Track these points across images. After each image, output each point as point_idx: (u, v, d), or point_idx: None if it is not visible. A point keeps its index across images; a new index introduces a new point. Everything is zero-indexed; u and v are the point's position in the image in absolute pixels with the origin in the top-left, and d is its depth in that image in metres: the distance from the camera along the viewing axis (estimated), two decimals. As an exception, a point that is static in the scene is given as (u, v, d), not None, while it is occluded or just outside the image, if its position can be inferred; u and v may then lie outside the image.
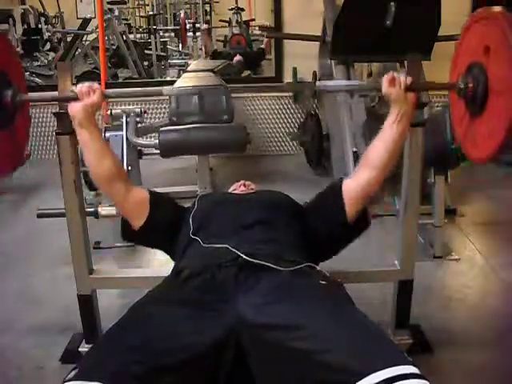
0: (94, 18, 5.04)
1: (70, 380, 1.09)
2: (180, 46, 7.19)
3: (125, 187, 1.60)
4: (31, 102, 1.83)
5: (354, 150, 3.25)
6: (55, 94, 1.64)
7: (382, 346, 1.14)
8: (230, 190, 1.96)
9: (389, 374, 1.03)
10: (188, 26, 6.29)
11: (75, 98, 1.51)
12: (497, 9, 1.40)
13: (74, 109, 1.50)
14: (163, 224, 1.65)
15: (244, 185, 1.92)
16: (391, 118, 1.54)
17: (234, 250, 1.41)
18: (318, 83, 1.61)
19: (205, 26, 5.59)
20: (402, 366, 1.05)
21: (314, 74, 4.12)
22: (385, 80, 1.51)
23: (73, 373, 1.11)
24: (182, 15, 6.56)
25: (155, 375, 1.13)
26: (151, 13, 7.69)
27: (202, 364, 1.18)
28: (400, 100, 1.50)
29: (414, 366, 1.07)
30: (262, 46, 6.15)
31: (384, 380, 1.02)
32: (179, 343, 1.18)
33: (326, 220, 1.62)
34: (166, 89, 1.67)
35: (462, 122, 1.55)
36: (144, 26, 7.94)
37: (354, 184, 1.59)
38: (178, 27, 7.06)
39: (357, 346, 1.11)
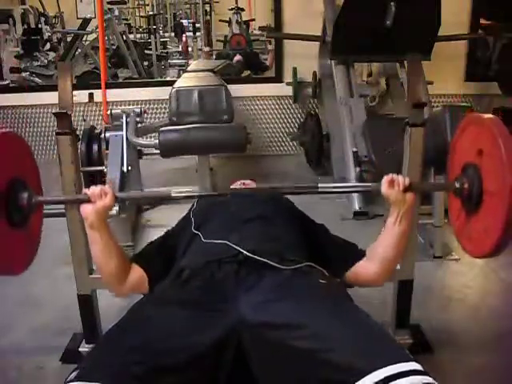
0: (94, 17, 5.04)
1: (71, 381, 1.09)
2: (180, 46, 7.20)
3: (126, 281, 1.57)
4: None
5: (354, 149, 3.26)
6: (68, 197, 1.70)
7: (384, 343, 1.14)
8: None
9: (391, 371, 1.03)
10: (188, 25, 6.29)
11: (87, 201, 1.52)
12: (487, 115, 1.48)
13: (87, 211, 1.51)
14: (163, 267, 1.61)
15: (244, 183, 1.93)
16: (391, 220, 1.55)
17: (234, 246, 1.42)
18: (319, 185, 1.64)
19: (206, 49, 5.55)
20: (404, 363, 1.05)
21: (314, 74, 4.13)
22: (384, 182, 1.53)
23: (74, 373, 1.11)
24: (184, 39, 6.54)
25: (156, 375, 1.13)
26: (151, 13, 7.69)
27: (203, 364, 1.18)
28: (399, 201, 1.52)
29: (417, 362, 1.07)
30: (267, 63, 6.10)
31: (387, 377, 1.03)
32: (179, 343, 1.18)
33: (329, 260, 1.61)
34: (173, 192, 1.67)
35: (458, 218, 1.61)
36: (144, 26, 7.94)
37: (365, 269, 1.60)
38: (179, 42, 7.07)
39: (359, 345, 1.11)
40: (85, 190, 1.56)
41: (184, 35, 6.70)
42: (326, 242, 1.69)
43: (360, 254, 1.62)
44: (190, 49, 6.37)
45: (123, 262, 1.58)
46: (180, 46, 7.15)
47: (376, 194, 1.59)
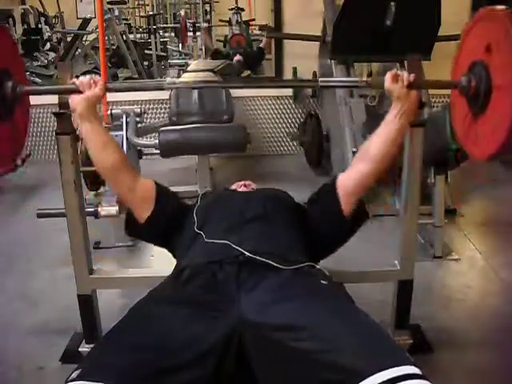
0: (94, 17, 5.04)
1: (72, 380, 1.08)
2: (180, 45, 7.20)
3: (130, 177, 1.59)
4: (32, 98, 1.83)
5: (354, 150, 3.25)
6: (57, 86, 1.64)
7: (385, 346, 1.14)
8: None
9: (391, 374, 1.03)
10: (188, 25, 6.29)
11: (77, 91, 1.50)
12: (499, 8, 1.42)
13: (76, 100, 1.50)
14: (169, 216, 1.63)
15: (245, 185, 1.92)
16: (392, 114, 1.54)
17: (236, 246, 1.41)
18: (320, 79, 1.61)
19: (205, 25, 5.56)
20: (404, 367, 1.05)
21: (314, 74, 4.12)
22: (388, 76, 1.51)
23: (75, 373, 1.10)
24: (183, 14, 6.55)
25: (157, 376, 1.13)
26: (151, 13, 7.70)
27: (205, 364, 1.18)
28: (402, 97, 1.50)
29: (416, 366, 1.07)
30: (261, 45, 6.13)
31: (387, 380, 1.02)
32: (181, 343, 1.17)
33: (323, 217, 1.62)
34: (167, 82, 1.66)
35: (463, 121, 1.55)
36: (144, 26, 7.95)
37: (348, 177, 1.60)
38: (177, 25, 7.05)
39: (359, 346, 1.11)
40: (73, 80, 1.53)
41: (183, 12, 6.69)
42: (310, 208, 1.69)
43: (332, 180, 1.63)
44: (189, 40, 6.37)
45: (120, 153, 1.57)
46: (180, 46, 7.16)
47: (379, 87, 1.55)
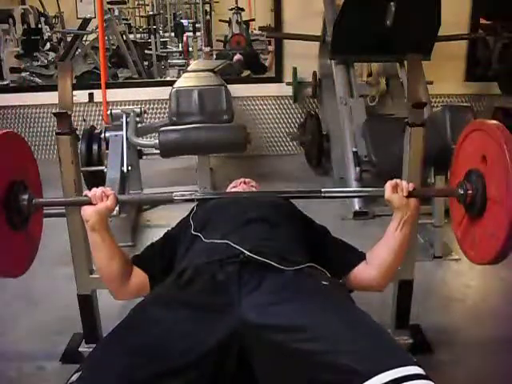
0: (94, 17, 5.03)
1: (73, 383, 1.08)
2: (180, 45, 7.20)
3: (128, 283, 1.58)
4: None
5: (354, 149, 3.26)
6: (69, 199, 1.70)
7: (387, 346, 1.14)
8: (229, 187, 1.96)
9: (394, 375, 1.03)
10: (190, 49, 6.32)
11: (89, 202, 1.52)
12: (493, 122, 1.47)
13: (87, 212, 1.51)
14: (163, 268, 1.61)
15: (244, 182, 1.92)
16: (394, 225, 1.54)
17: (236, 246, 1.41)
18: (323, 190, 1.64)
19: (207, 49, 5.54)
20: (407, 367, 1.05)
21: (314, 73, 4.13)
22: (387, 186, 1.53)
23: (76, 375, 1.10)
24: (185, 39, 6.54)
25: (157, 378, 1.12)
26: (151, 13, 7.70)
27: (205, 366, 1.17)
28: (402, 206, 1.51)
29: (419, 366, 1.07)
30: (266, 64, 6.10)
31: (390, 381, 1.02)
32: (182, 345, 1.17)
33: (328, 263, 1.59)
34: (175, 195, 1.67)
35: (460, 223, 1.61)
36: (144, 26, 7.95)
37: (363, 273, 1.59)
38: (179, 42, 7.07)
39: (361, 347, 1.11)
40: (86, 192, 1.56)
41: (185, 35, 6.70)
42: (327, 243, 1.69)
43: (360, 258, 1.61)
44: (190, 49, 6.37)
45: (125, 264, 1.58)
46: (180, 46, 7.16)
47: (379, 196, 1.59)
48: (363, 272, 1.59)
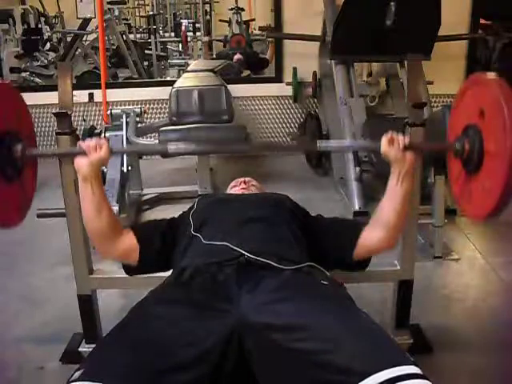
0: (94, 17, 5.03)
1: (74, 381, 1.08)
2: (180, 45, 7.20)
3: (116, 241, 1.59)
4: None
5: (354, 150, 3.25)
6: (62, 149, 1.69)
7: (385, 346, 1.14)
8: (230, 186, 1.96)
9: (391, 374, 1.03)
10: (189, 38, 6.31)
11: (82, 153, 1.52)
12: (490, 75, 1.46)
13: (80, 163, 1.52)
14: (159, 244, 1.63)
15: (244, 182, 1.92)
16: (393, 181, 1.55)
17: (235, 247, 1.41)
18: (319, 142, 1.65)
19: (206, 39, 5.54)
20: (404, 367, 1.05)
21: (314, 73, 4.13)
22: (383, 140, 1.53)
23: (77, 373, 1.10)
24: (184, 28, 6.54)
25: (157, 376, 1.12)
26: (151, 13, 7.69)
27: (205, 364, 1.18)
28: (398, 160, 1.51)
29: (416, 366, 1.07)
30: (266, 56, 6.09)
31: (386, 380, 1.03)
32: (181, 344, 1.17)
33: (332, 247, 1.63)
34: (170, 147, 1.66)
35: (457, 180, 1.59)
36: (144, 26, 7.94)
37: (369, 237, 1.60)
38: (178, 39, 7.07)
39: (360, 347, 1.11)
40: (79, 143, 1.55)
41: (183, 25, 6.70)
42: (326, 227, 1.69)
43: (361, 225, 1.63)
44: (188, 39, 6.36)
45: (113, 220, 1.58)
46: (180, 46, 7.15)
47: (375, 151, 1.58)
48: (369, 236, 1.59)
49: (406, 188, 1.54)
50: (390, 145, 1.51)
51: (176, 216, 1.75)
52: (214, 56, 6.08)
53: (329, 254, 1.62)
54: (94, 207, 1.54)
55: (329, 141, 1.76)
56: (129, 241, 1.60)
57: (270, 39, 5.66)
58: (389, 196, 1.56)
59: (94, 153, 1.50)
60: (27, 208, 1.66)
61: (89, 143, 1.51)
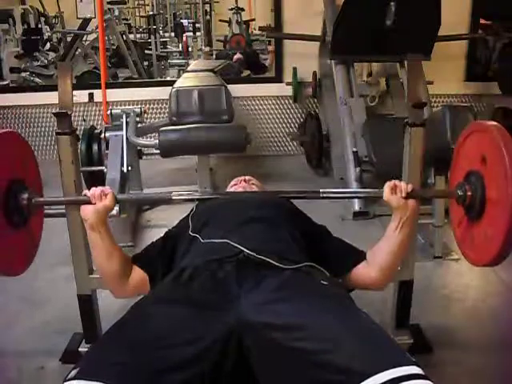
0: (94, 17, 5.04)
1: (70, 379, 1.08)
2: (180, 45, 7.21)
3: (128, 282, 1.59)
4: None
5: (354, 149, 3.26)
6: (68, 198, 1.70)
7: (385, 346, 1.14)
8: (230, 185, 1.96)
9: (392, 374, 1.03)
10: (190, 49, 6.32)
11: (88, 202, 1.53)
12: (492, 123, 1.47)
13: (86, 211, 1.53)
14: (164, 272, 1.60)
15: (245, 180, 1.92)
16: (393, 226, 1.55)
17: (235, 244, 1.42)
18: (321, 191, 1.66)
19: (206, 49, 5.53)
20: (405, 367, 1.05)
21: (314, 73, 4.13)
22: (386, 187, 1.54)
23: (74, 371, 1.10)
24: (185, 39, 6.54)
25: (156, 374, 1.12)
26: (151, 13, 7.70)
27: (204, 363, 1.18)
28: (401, 207, 1.52)
29: (418, 366, 1.07)
30: (266, 64, 6.09)
31: (388, 381, 1.02)
32: (180, 342, 1.17)
33: (330, 259, 1.61)
34: (174, 194, 1.68)
35: (460, 225, 1.61)
36: (144, 26, 7.95)
37: (364, 273, 1.60)
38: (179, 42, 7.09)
39: (360, 347, 1.11)
40: (85, 192, 1.57)
41: (184, 35, 6.70)
42: (327, 243, 1.69)
43: (360, 257, 1.62)
44: (190, 49, 6.38)
45: (124, 263, 1.58)
46: (180, 46, 7.16)
47: (378, 198, 1.60)
48: (363, 272, 1.60)
49: (404, 234, 1.55)
50: (393, 192, 1.52)
51: (171, 227, 1.76)
52: (214, 56, 6.08)
53: (326, 263, 1.62)
54: (105, 254, 1.55)
55: (331, 190, 1.79)
56: (137, 276, 1.60)
57: (270, 45, 5.67)
58: (387, 239, 1.57)
59: (99, 201, 1.51)
60: (32, 256, 1.68)
61: (94, 192, 1.53)
